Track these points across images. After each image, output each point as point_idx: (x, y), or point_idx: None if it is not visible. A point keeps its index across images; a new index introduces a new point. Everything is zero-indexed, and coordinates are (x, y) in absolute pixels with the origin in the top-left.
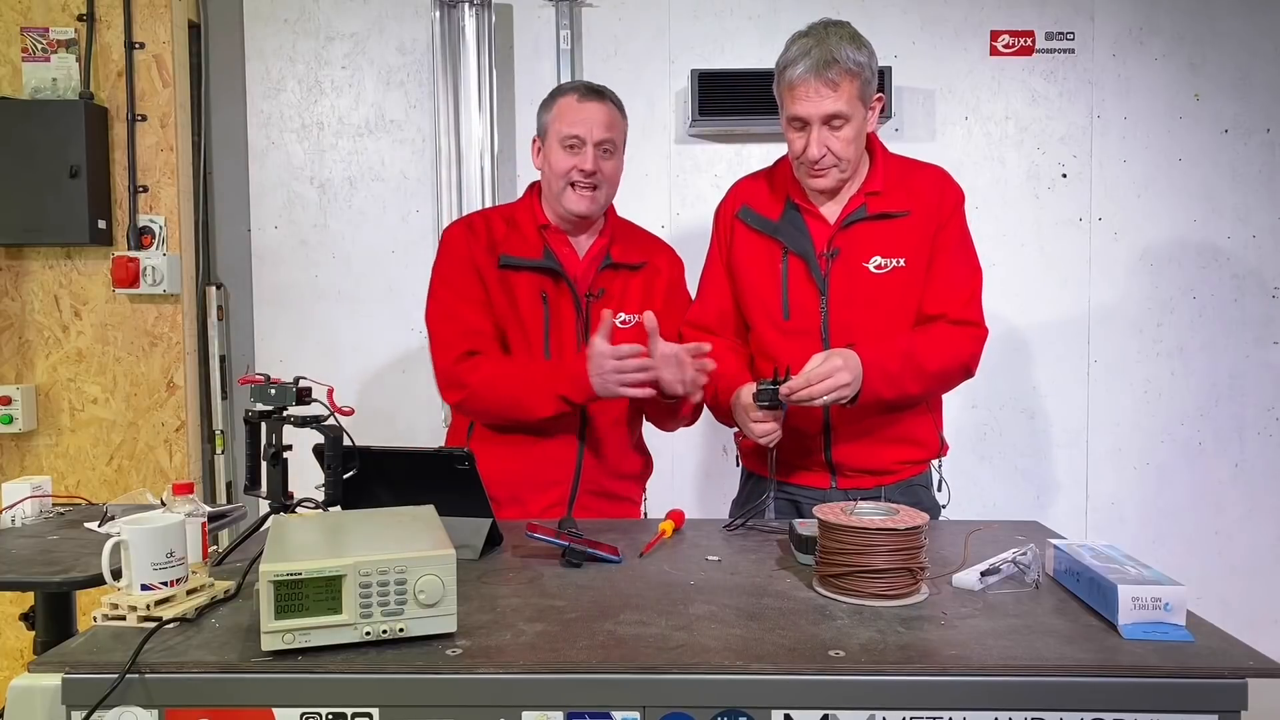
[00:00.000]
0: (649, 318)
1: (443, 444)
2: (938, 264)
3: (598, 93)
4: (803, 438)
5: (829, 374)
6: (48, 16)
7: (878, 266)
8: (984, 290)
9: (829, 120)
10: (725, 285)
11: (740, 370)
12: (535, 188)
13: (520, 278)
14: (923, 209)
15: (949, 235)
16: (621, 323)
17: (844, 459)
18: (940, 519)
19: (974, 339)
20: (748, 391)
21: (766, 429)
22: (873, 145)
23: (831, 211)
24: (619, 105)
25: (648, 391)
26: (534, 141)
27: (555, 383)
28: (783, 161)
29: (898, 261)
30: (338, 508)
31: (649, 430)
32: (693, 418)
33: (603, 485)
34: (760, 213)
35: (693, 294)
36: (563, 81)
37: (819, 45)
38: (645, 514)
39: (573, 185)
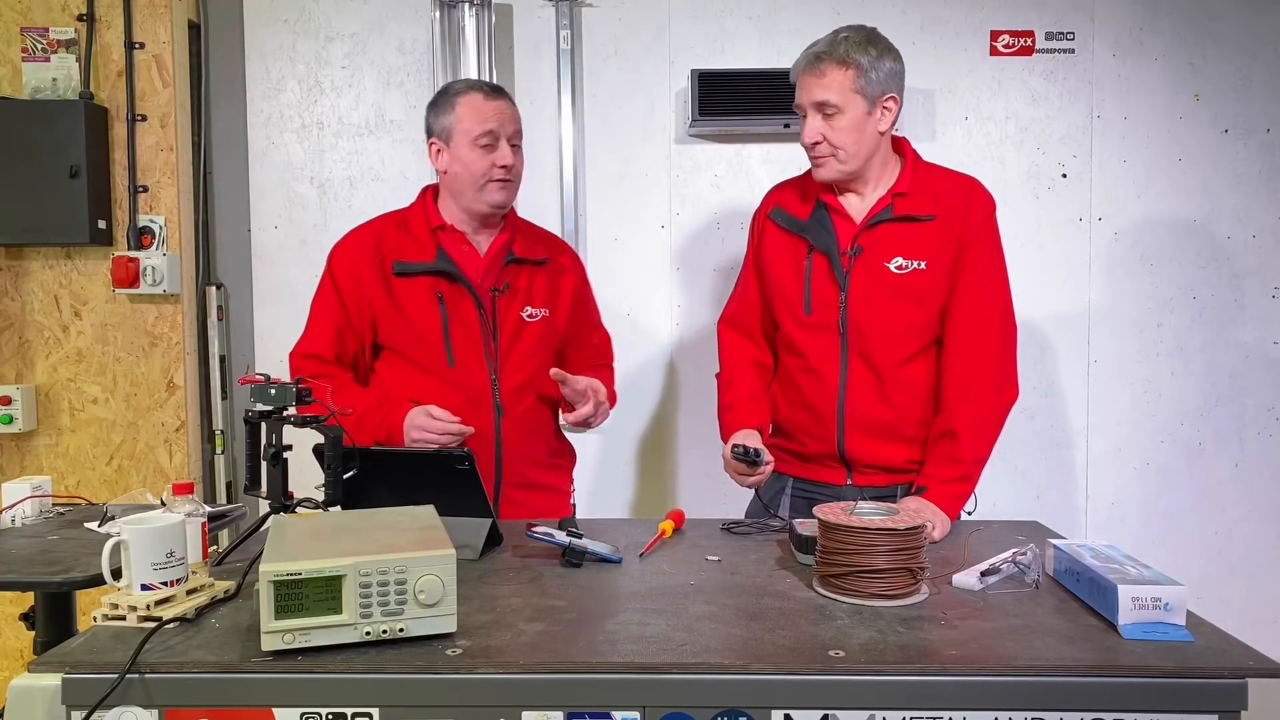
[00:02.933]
0: (555, 373)
1: None
2: (968, 297)
3: (499, 90)
4: (817, 434)
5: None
6: (48, 16)
7: (899, 267)
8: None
9: (820, 108)
10: (755, 285)
11: (746, 419)
12: (428, 191)
13: (413, 283)
14: (948, 214)
15: (978, 257)
16: (529, 316)
17: (858, 455)
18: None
19: (1004, 407)
20: (728, 448)
21: (750, 481)
22: (903, 149)
23: (859, 211)
24: (514, 101)
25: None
26: (431, 144)
27: (376, 427)
28: None
29: (919, 264)
30: (338, 508)
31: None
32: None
33: (526, 476)
34: (791, 213)
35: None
36: (562, 81)
37: (823, 43)
38: (574, 506)
39: (493, 180)
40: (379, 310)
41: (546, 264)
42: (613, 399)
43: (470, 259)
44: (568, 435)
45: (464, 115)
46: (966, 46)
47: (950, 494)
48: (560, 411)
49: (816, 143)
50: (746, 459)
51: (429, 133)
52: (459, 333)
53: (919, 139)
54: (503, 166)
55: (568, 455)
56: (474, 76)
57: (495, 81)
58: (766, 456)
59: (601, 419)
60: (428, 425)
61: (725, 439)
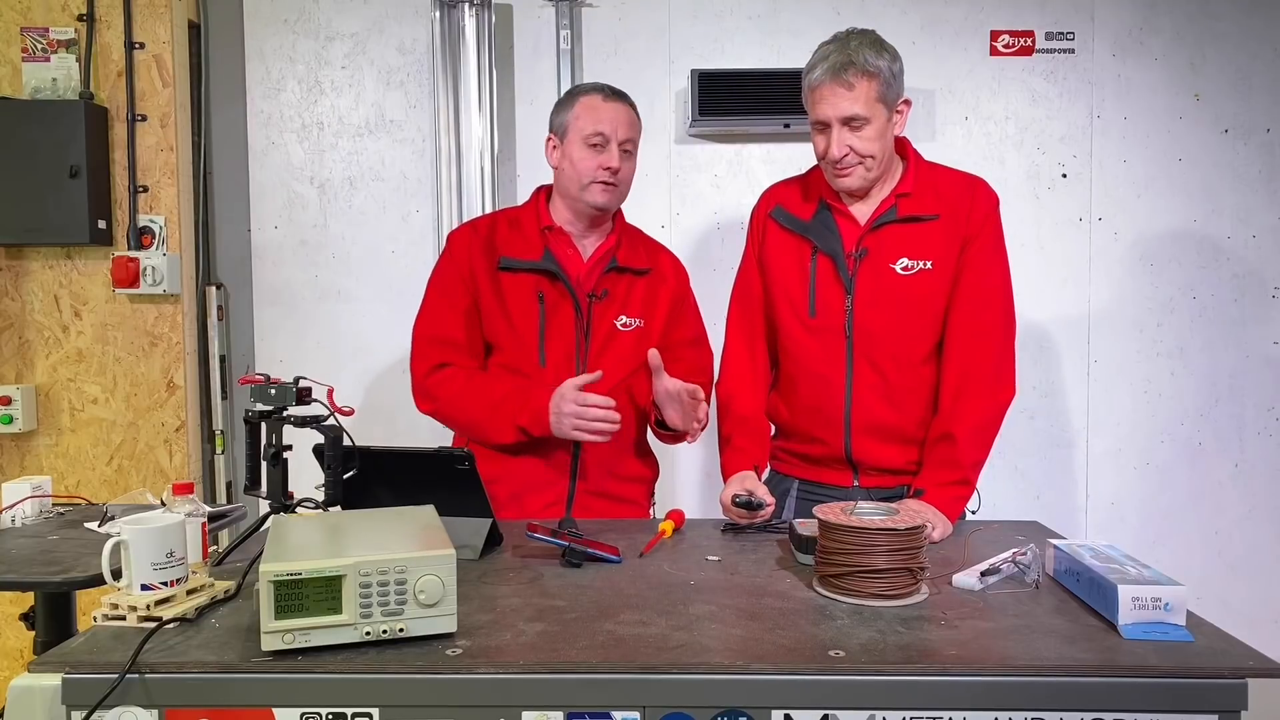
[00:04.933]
0: (653, 356)
1: (448, 442)
2: (969, 294)
3: (620, 94)
4: (823, 436)
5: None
6: (48, 16)
7: (904, 268)
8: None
9: (848, 121)
10: (757, 282)
11: (744, 458)
12: (542, 192)
13: (517, 279)
14: (952, 212)
15: (980, 252)
16: (623, 325)
17: (864, 458)
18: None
19: (1002, 407)
20: (728, 493)
21: (750, 522)
22: (905, 150)
23: (862, 212)
24: (637, 109)
25: (601, 439)
26: (549, 140)
27: (517, 412)
28: (818, 165)
29: (924, 264)
30: (338, 508)
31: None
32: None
33: (602, 486)
34: (793, 213)
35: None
36: (562, 81)
37: (838, 50)
38: (654, 516)
39: (598, 181)
40: (484, 300)
41: (649, 273)
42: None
43: (574, 261)
44: (654, 449)
45: (580, 114)
46: (966, 46)
47: (949, 497)
48: (649, 424)
49: (845, 155)
50: (748, 507)
51: (551, 131)
52: (554, 334)
53: (919, 139)
54: (608, 169)
55: (650, 469)
56: (481, 77)
57: (497, 78)
58: (766, 501)
59: (696, 430)
60: (583, 413)
61: (724, 476)
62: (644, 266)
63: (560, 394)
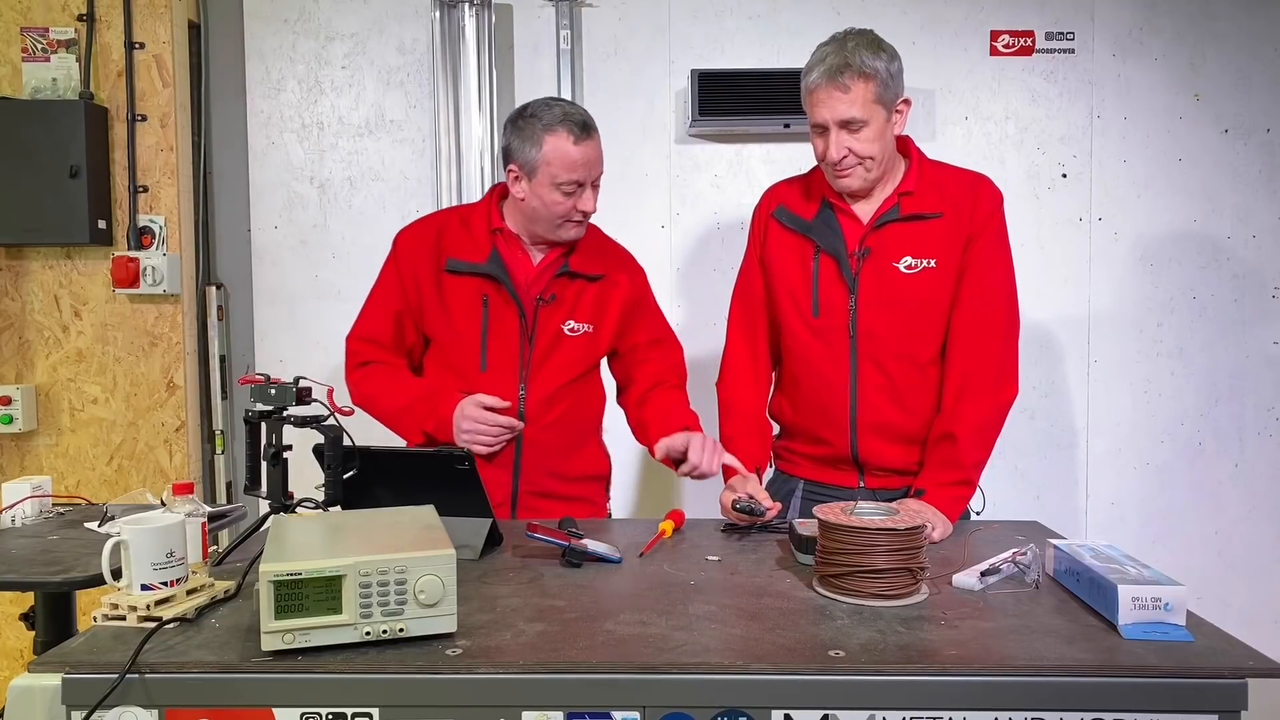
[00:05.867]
0: (660, 450)
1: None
2: (972, 292)
3: (587, 128)
4: (828, 437)
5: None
6: (48, 16)
7: (908, 267)
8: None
9: (845, 124)
10: (759, 281)
11: (744, 461)
12: (496, 190)
13: (462, 281)
14: (955, 210)
15: (984, 250)
16: (570, 330)
17: (870, 458)
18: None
19: (1004, 406)
20: (729, 496)
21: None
22: (908, 149)
23: (865, 211)
24: (599, 135)
25: (482, 450)
26: (510, 170)
27: (424, 418)
28: (819, 165)
29: (928, 262)
30: (338, 508)
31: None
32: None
33: (545, 486)
34: (795, 212)
35: (670, 305)
36: (562, 81)
37: (835, 53)
38: (610, 514)
39: (570, 221)
40: (427, 302)
41: (602, 279)
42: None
43: (522, 265)
44: (607, 448)
45: (552, 159)
46: (966, 46)
47: (950, 497)
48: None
49: (844, 157)
50: (749, 513)
51: (507, 156)
52: (496, 338)
53: (919, 139)
54: (584, 211)
55: (600, 467)
56: (481, 77)
57: (497, 78)
58: (766, 506)
59: (709, 462)
60: (480, 418)
61: (725, 477)
62: (597, 272)
63: (461, 409)
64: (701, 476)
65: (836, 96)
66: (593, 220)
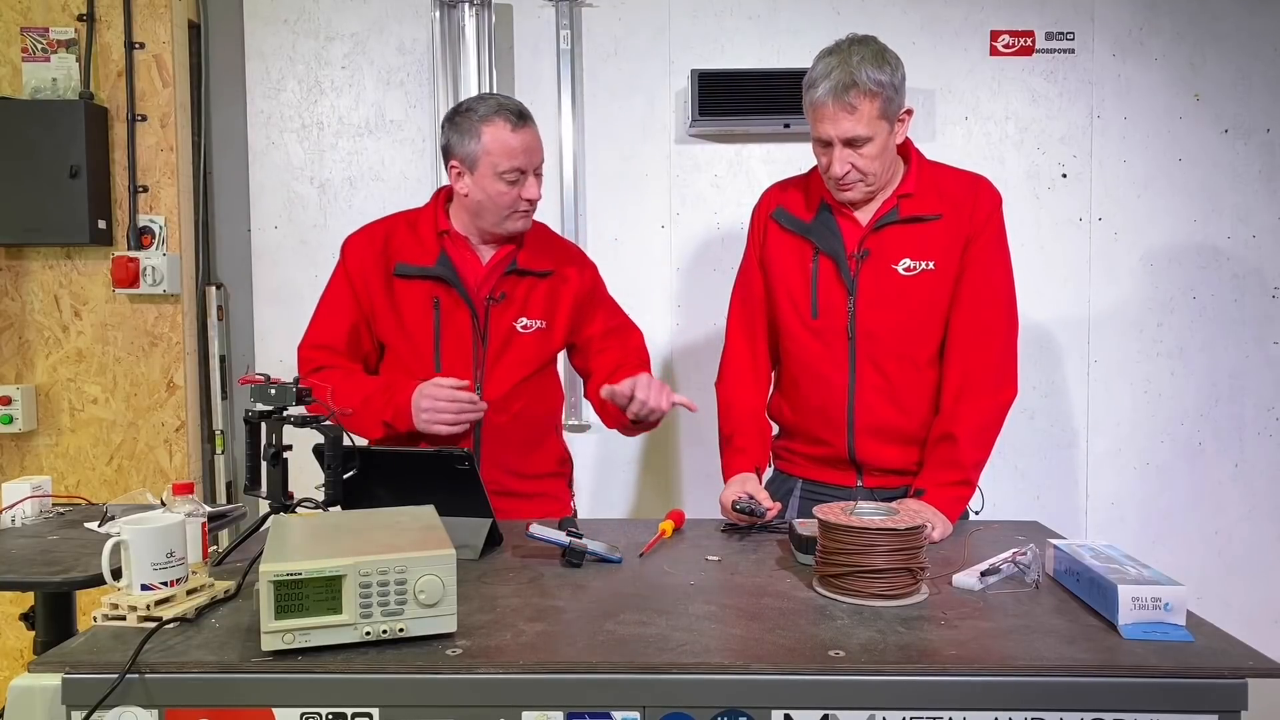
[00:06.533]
0: (605, 391)
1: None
2: (971, 293)
3: (523, 116)
4: (826, 437)
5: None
6: (48, 16)
7: (907, 269)
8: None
9: (850, 141)
10: (759, 282)
11: (745, 459)
12: (442, 193)
13: (412, 285)
14: (955, 212)
15: (983, 251)
16: (523, 328)
17: (868, 458)
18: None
19: (1003, 406)
20: (729, 495)
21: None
22: (908, 150)
23: (864, 214)
24: (535, 123)
25: (451, 429)
26: (451, 166)
27: (382, 409)
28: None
29: (927, 264)
30: (338, 508)
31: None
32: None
33: (506, 485)
34: (794, 214)
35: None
36: (562, 81)
37: (840, 67)
38: (575, 510)
39: (516, 212)
40: (379, 308)
41: (551, 275)
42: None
43: (471, 266)
44: (568, 443)
45: (491, 148)
46: (966, 46)
47: (949, 498)
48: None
49: (847, 173)
50: (749, 514)
51: (448, 153)
52: (449, 339)
53: (919, 139)
54: (530, 200)
55: (559, 463)
56: (481, 78)
57: (497, 78)
58: (766, 506)
59: (657, 398)
60: (438, 395)
61: (725, 477)
62: (546, 268)
63: (420, 390)
64: (651, 415)
65: (843, 116)
66: (592, 219)
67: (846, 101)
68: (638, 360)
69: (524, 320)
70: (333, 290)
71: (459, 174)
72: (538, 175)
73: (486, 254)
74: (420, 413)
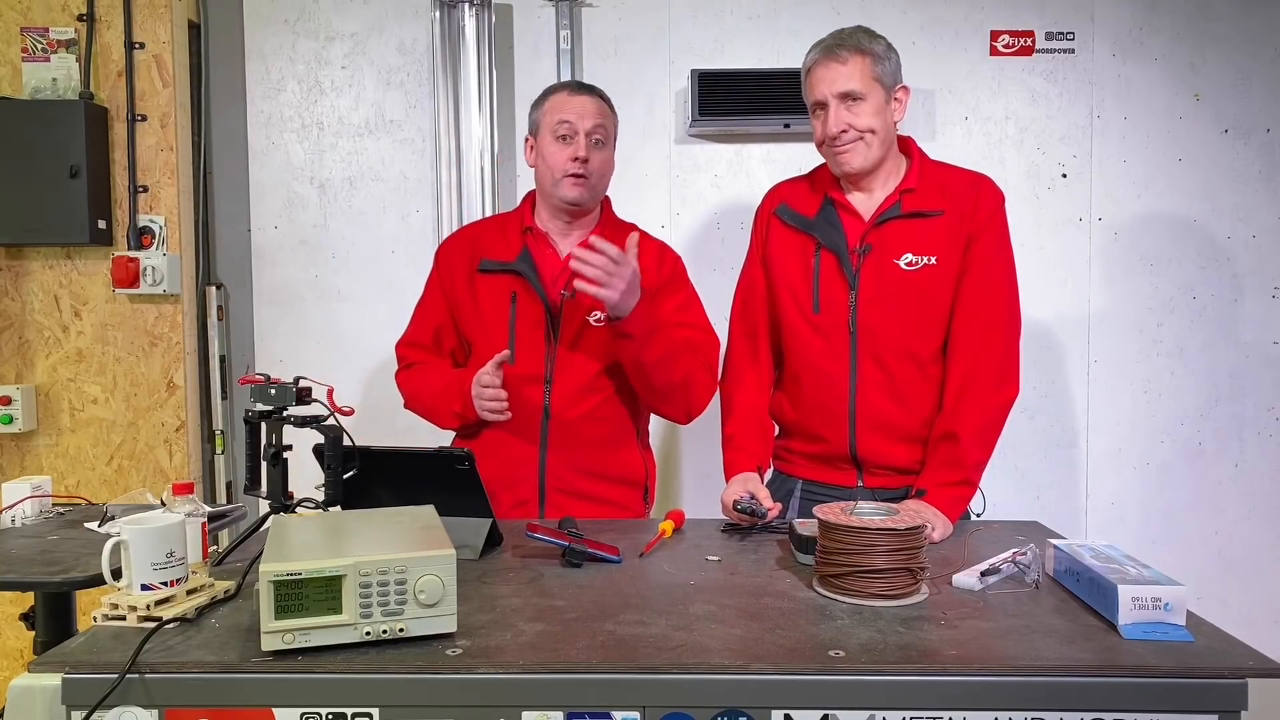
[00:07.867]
0: (593, 242)
1: (446, 441)
2: (973, 291)
3: (588, 88)
4: (827, 435)
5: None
6: (48, 16)
7: (909, 264)
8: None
9: (844, 97)
10: (761, 280)
11: (747, 458)
12: (531, 194)
13: (493, 280)
14: (957, 209)
15: (985, 249)
16: (596, 321)
17: (869, 455)
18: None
19: (1005, 405)
20: (730, 495)
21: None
22: (910, 149)
23: (866, 208)
24: (609, 102)
25: (498, 417)
26: (527, 140)
27: (453, 399)
28: (823, 165)
29: (929, 259)
30: (338, 508)
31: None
32: (684, 401)
33: (572, 485)
34: (797, 210)
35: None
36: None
37: (831, 36)
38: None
39: (568, 175)
40: (462, 304)
41: None
42: (692, 349)
43: (550, 260)
44: (652, 456)
45: (549, 109)
46: (966, 46)
47: (951, 497)
48: (636, 419)
49: (843, 131)
50: (751, 514)
51: (528, 131)
52: (525, 333)
53: (919, 139)
54: (577, 159)
55: (635, 471)
56: (481, 77)
57: (497, 78)
58: (767, 507)
59: (614, 284)
60: (478, 382)
61: (727, 476)
62: None
63: (476, 378)
64: (605, 293)
65: (834, 69)
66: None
67: (837, 55)
68: (706, 361)
69: (597, 314)
70: (426, 291)
71: (531, 147)
72: (596, 141)
73: (565, 248)
74: (475, 400)
